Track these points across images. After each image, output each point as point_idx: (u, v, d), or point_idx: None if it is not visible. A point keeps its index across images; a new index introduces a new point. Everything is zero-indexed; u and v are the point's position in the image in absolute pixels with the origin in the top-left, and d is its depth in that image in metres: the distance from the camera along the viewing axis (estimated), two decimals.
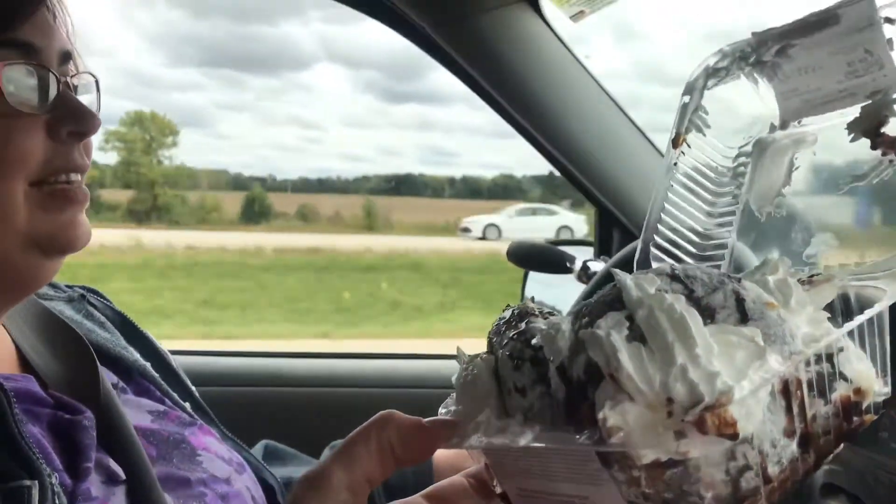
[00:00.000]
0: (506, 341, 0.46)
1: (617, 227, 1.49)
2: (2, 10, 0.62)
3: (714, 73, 0.73)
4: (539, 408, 0.43)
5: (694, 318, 0.37)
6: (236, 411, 1.13)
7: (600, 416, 0.36)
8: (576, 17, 1.25)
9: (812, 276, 0.47)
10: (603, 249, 1.52)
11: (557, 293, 1.69)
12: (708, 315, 0.39)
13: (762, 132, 0.73)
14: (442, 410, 0.49)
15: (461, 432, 0.46)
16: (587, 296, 1.13)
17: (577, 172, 1.38)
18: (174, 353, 0.97)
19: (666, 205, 0.74)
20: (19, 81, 0.63)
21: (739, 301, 0.40)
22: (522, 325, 0.46)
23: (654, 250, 0.73)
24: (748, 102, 0.72)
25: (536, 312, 0.48)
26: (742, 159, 0.75)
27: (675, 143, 0.73)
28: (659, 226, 0.74)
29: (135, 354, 0.87)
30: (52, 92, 0.65)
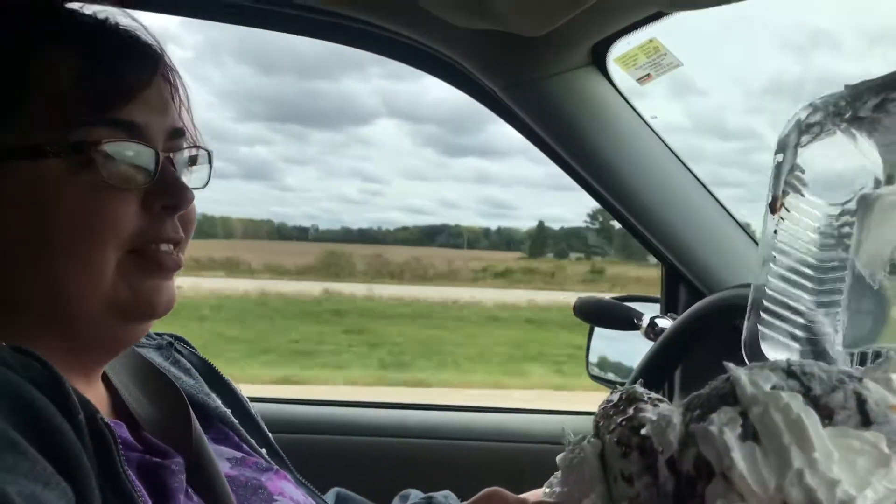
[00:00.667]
0: (613, 426, 0.46)
1: (684, 284, 1.49)
2: (107, 92, 0.66)
3: (807, 129, 0.68)
4: (646, 498, 0.42)
5: (812, 420, 0.36)
6: (309, 459, 1.16)
7: None
8: (642, 80, 1.28)
9: None
10: (670, 306, 1.52)
11: (622, 348, 1.69)
12: (826, 416, 0.37)
13: (866, 188, 0.66)
14: (545, 490, 0.49)
15: None
16: (656, 353, 1.14)
17: (643, 230, 1.39)
18: (252, 399, 1.02)
19: (770, 278, 0.69)
20: (118, 157, 0.66)
21: (861, 402, 0.38)
22: (631, 411, 0.46)
23: (762, 329, 0.68)
24: (847, 157, 0.66)
25: (645, 399, 0.48)
26: (846, 218, 0.68)
27: (773, 207, 0.68)
28: (764, 301, 0.69)
29: (216, 401, 0.91)
30: (150, 167, 0.68)
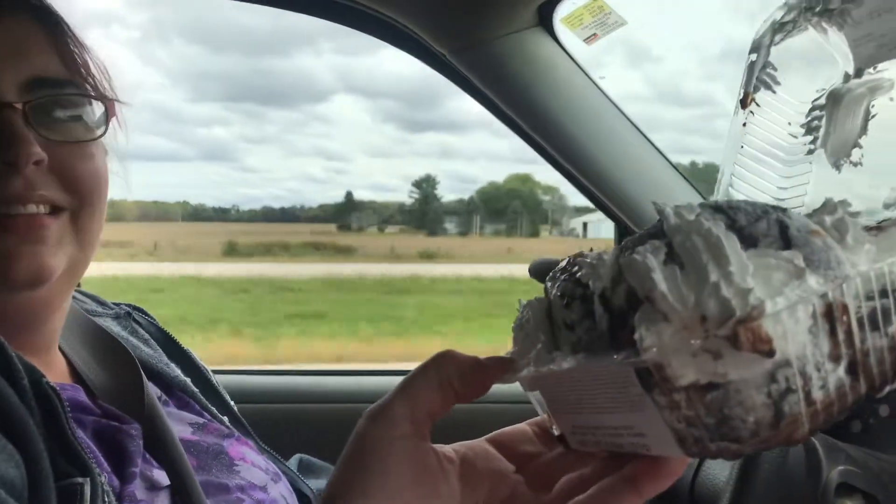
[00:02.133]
0: (558, 283, 0.47)
1: None
2: None
3: (780, 28, 0.69)
4: (587, 340, 0.43)
5: (731, 241, 0.37)
6: (272, 427, 1.17)
7: (637, 336, 0.36)
8: (589, 39, 1.29)
9: (882, 221, 0.44)
10: None
11: None
12: (750, 243, 0.38)
13: (836, 83, 0.68)
14: (503, 355, 0.50)
15: (514, 367, 0.48)
16: None
17: (596, 191, 1.41)
18: (214, 371, 1.02)
19: (738, 167, 0.70)
20: None
21: (783, 228, 0.39)
22: (574, 269, 0.47)
23: None
24: (818, 53, 0.68)
25: (589, 258, 0.48)
26: (816, 113, 0.70)
27: (744, 103, 0.70)
28: (731, 190, 0.71)
29: (176, 370, 0.92)
30: None
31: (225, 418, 0.93)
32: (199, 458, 0.79)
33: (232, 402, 0.99)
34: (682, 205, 0.40)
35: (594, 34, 1.28)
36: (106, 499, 0.59)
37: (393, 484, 0.46)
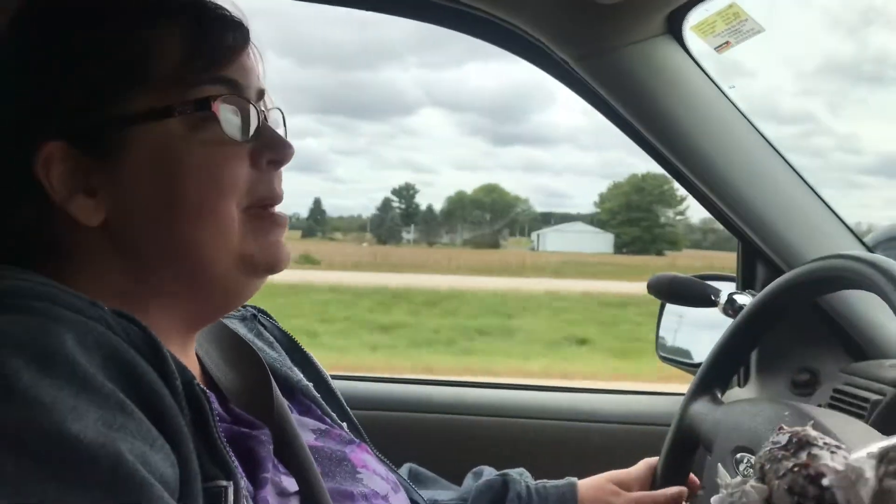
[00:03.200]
0: (783, 472, 0.42)
1: (761, 261, 1.44)
2: (214, 53, 0.71)
3: None
4: None
5: None
6: (383, 435, 1.16)
7: None
8: (720, 48, 1.24)
9: None
10: (746, 283, 1.48)
11: (691, 327, 1.66)
12: None
13: None
14: None
15: None
16: (736, 330, 1.10)
17: (721, 205, 1.35)
18: (332, 377, 1.02)
19: None
20: (231, 112, 0.70)
21: None
22: (804, 456, 0.42)
23: None
24: None
25: (820, 444, 0.43)
26: None
27: None
28: None
29: (299, 374, 0.92)
30: (254, 123, 0.72)
31: (344, 424, 0.93)
32: (322, 464, 0.79)
33: (349, 410, 0.99)
34: None
35: (726, 42, 1.23)
36: (246, 502, 0.59)
37: None
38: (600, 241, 38.60)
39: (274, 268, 0.74)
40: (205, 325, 0.78)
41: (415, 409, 1.59)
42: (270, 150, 0.74)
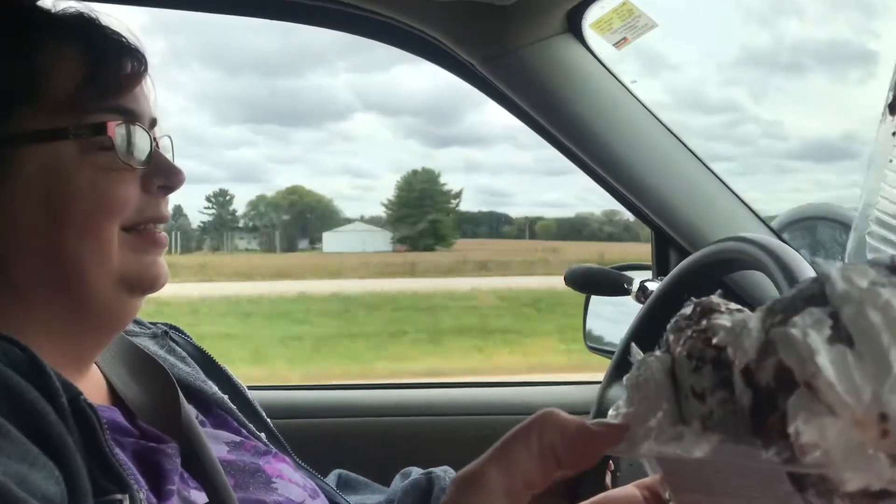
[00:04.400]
0: (684, 339, 0.41)
1: (673, 248, 1.49)
2: (112, 81, 0.72)
3: None
4: (720, 415, 0.37)
5: None
6: (309, 442, 1.16)
7: (792, 429, 0.31)
8: (618, 44, 1.27)
9: None
10: (660, 270, 1.52)
11: (618, 317, 1.70)
12: None
13: None
14: (612, 413, 0.44)
15: (631, 437, 0.41)
16: (645, 314, 1.14)
17: (631, 196, 1.39)
18: (249, 388, 1.02)
19: (885, 186, 0.62)
20: (124, 140, 0.71)
21: None
22: (704, 322, 0.40)
23: (870, 241, 0.62)
24: None
25: (722, 309, 0.42)
26: None
27: (893, 108, 0.62)
28: (876, 211, 0.63)
29: (213, 387, 0.92)
30: (146, 150, 0.73)
31: (262, 435, 0.93)
32: (236, 476, 0.79)
33: (268, 420, 0.99)
34: (851, 265, 0.34)
35: (624, 38, 1.27)
36: None
37: None
38: (378, 240, 39.26)
39: (152, 286, 0.75)
40: (94, 347, 0.77)
41: (341, 415, 1.59)
42: (162, 176, 0.75)
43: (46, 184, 0.68)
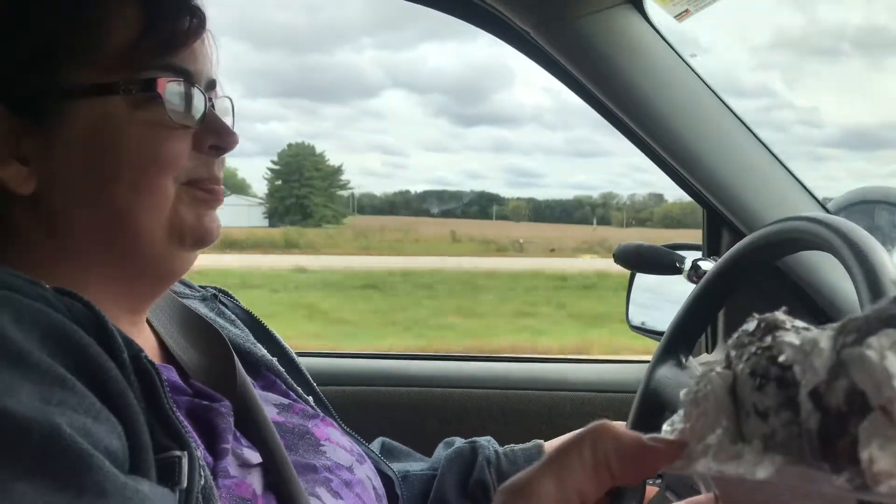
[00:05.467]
0: (747, 356, 0.40)
1: (726, 228, 1.46)
2: (167, 42, 0.71)
3: None
4: (783, 436, 0.36)
5: None
6: (354, 409, 1.17)
7: (865, 455, 0.30)
8: (680, 16, 1.24)
9: None
10: (712, 250, 1.49)
11: (664, 297, 1.67)
12: None
13: None
14: (666, 427, 0.43)
15: (688, 454, 0.40)
16: (699, 294, 1.12)
17: (684, 172, 1.36)
18: (298, 354, 1.03)
19: None
20: (176, 98, 0.71)
21: None
22: (769, 339, 0.39)
23: None
24: None
25: (788, 326, 0.41)
26: None
27: None
28: None
29: (262, 350, 0.93)
30: (201, 109, 0.73)
31: (310, 399, 0.94)
32: (285, 438, 0.80)
33: (315, 385, 1.00)
34: None
35: (686, 10, 1.23)
36: (202, 472, 0.60)
37: None
38: (253, 215, 39.10)
39: (203, 239, 0.75)
40: (145, 301, 0.78)
41: (386, 384, 1.60)
42: (214, 136, 0.75)
43: (97, 137, 0.68)
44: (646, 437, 0.40)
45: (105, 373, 0.55)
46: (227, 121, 0.79)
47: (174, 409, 0.60)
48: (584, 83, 1.31)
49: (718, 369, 0.41)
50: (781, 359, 0.36)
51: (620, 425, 0.42)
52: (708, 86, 1.33)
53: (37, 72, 0.68)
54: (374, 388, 1.59)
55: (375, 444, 1.12)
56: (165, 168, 0.70)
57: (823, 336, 0.35)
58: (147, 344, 0.78)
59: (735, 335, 0.42)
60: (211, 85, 0.77)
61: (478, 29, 1.33)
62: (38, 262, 0.69)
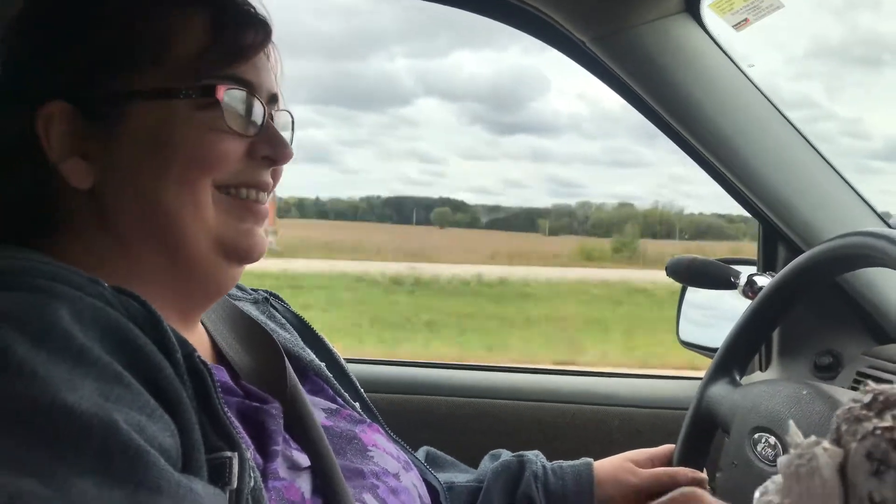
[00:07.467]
0: (863, 434, 0.37)
1: (783, 243, 1.42)
2: (231, 53, 0.73)
3: None
4: None
5: None
6: (400, 417, 1.16)
7: None
8: (739, 25, 1.21)
9: None
10: (768, 265, 1.46)
11: (715, 312, 1.63)
12: None
13: None
14: (758, 495, 0.41)
15: None
16: (755, 310, 1.09)
17: (741, 185, 1.33)
18: (346, 360, 1.03)
19: None
20: (235, 105, 0.72)
21: None
22: (889, 419, 0.36)
23: None
24: None
25: None
26: None
27: None
28: None
29: (311, 355, 0.93)
30: (259, 120, 0.74)
31: (356, 405, 0.93)
32: (333, 443, 0.80)
33: (363, 391, 1.00)
34: None
35: (745, 20, 1.21)
36: (252, 473, 0.60)
37: None
38: None
39: (246, 256, 0.75)
40: (197, 308, 0.78)
41: (431, 393, 1.59)
42: (269, 146, 0.75)
43: (155, 137, 0.70)
44: None
45: (159, 371, 0.55)
46: (286, 135, 0.79)
47: (226, 409, 0.60)
48: (639, 93, 1.30)
49: (826, 444, 0.38)
50: None
51: (707, 496, 0.41)
52: (766, 96, 1.30)
53: (106, 76, 0.70)
54: (419, 396, 1.59)
55: (420, 453, 1.12)
56: (207, 167, 0.71)
57: None
58: (199, 344, 0.79)
59: (846, 406, 0.39)
60: (273, 98, 0.78)
61: (512, 36, 1.33)
62: (96, 260, 0.70)
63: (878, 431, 0.35)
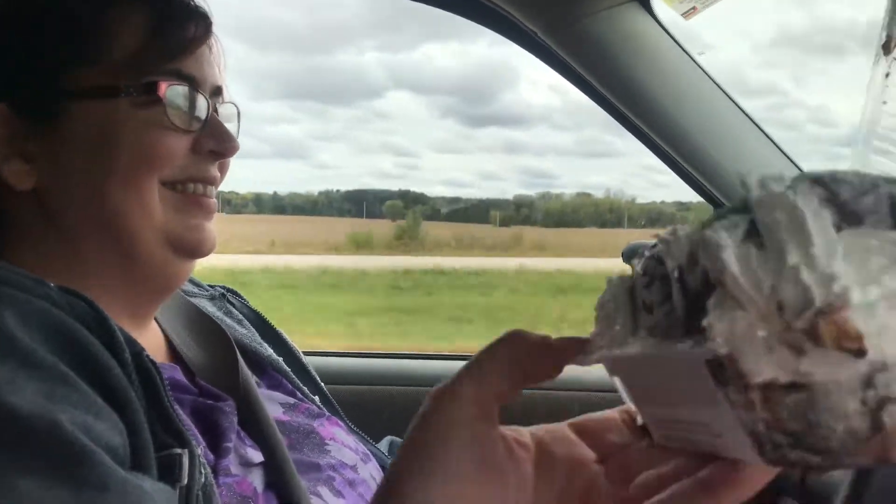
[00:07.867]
0: (642, 261, 0.43)
1: None
2: (172, 48, 0.72)
3: None
4: (665, 325, 0.38)
5: (819, 218, 0.31)
6: (362, 409, 1.17)
7: (705, 322, 0.32)
8: (688, 13, 1.23)
9: None
10: None
11: None
12: (853, 221, 0.32)
13: None
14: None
15: (589, 349, 0.44)
16: None
17: (692, 170, 1.36)
18: (304, 353, 1.03)
19: (880, 129, 0.62)
20: (178, 101, 0.72)
21: (893, 205, 0.33)
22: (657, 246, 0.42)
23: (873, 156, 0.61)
24: None
25: (667, 234, 0.43)
26: None
27: (887, 48, 0.61)
28: (875, 141, 0.63)
29: (268, 350, 0.93)
30: (203, 114, 0.74)
31: (316, 398, 0.94)
32: (290, 437, 0.80)
33: (322, 384, 1.00)
34: (772, 175, 0.35)
35: (693, 8, 1.23)
36: (202, 470, 0.60)
37: (454, 469, 0.42)
38: None
39: (196, 250, 0.76)
40: (149, 305, 0.79)
41: (395, 383, 1.60)
42: (214, 140, 0.76)
43: (96, 136, 0.70)
44: (553, 338, 0.45)
45: (107, 371, 0.56)
46: (231, 127, 0.80)
47: (175, 407, 0.61)
48: (591, 82, 1.31)
49: (621, 276, 0.45)
50: (651, 252, 0.40)
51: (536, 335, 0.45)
52: (717, 84, 1.32)
53: (43, 74, 0.70)
54: (382, 387, 1.60)
55: (384, 443, 1.13)
56: (152, 165, 0.71)
57: (685, 227, 0.38)
58: (154, 342, 0.79)
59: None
60: (216, 91, 0.78)
61: (480, 28, 1.34)
62: (42, 260, 0.71)
63: (651, 254, 0.41)
